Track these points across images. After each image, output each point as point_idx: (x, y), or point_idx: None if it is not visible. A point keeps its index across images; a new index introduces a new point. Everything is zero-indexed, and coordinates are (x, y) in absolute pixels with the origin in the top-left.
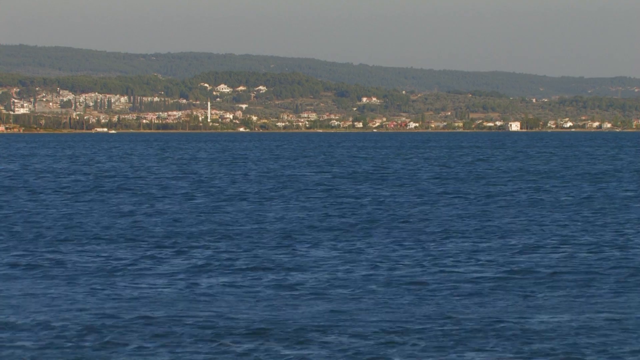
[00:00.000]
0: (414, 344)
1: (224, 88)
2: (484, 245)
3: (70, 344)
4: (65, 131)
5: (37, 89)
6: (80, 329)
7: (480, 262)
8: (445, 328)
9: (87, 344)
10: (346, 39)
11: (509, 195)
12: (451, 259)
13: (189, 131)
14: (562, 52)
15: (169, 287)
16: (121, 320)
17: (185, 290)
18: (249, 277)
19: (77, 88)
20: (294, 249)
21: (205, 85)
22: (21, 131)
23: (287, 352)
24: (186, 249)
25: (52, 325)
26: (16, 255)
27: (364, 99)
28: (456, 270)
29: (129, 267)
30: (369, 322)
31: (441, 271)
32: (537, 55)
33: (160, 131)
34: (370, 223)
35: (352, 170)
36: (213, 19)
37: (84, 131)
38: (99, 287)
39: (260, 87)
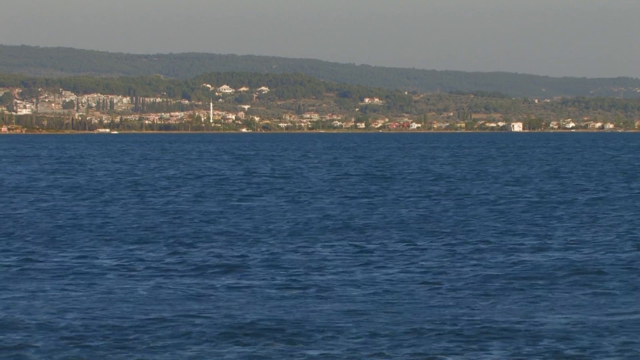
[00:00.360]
0: (425, 344)
1: (226, 89)
2: (496, 245)
3: (81, 344)
4: (67, 132)
5: (39, 89)
6: (92, 329)
7: (492, 263)
8: (456, 328)
9: (99, 343)
10: (348, 40)
11: (521, 196)
12: (463, 259)
13: (192, 132)
14: (564, 52)
15: (180, 287)
16: (132, 320)
17: (196, 290)
18: (260, 277)
19: (79, 89)
20: (305, 249)
21: (208, 85)
22: (23, 132)
23: (298, 352)
24: (197, 249)
25: (63, 326)
26: (27, 256)
27: (366, 100)
28: (467, 270)
29: (140, 268)
30: (381, 322)
31: (453, 271)
32: (540, 56)
33: (162, 132)
34: (384, 224)
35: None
36: (215, 20)
37: (86, 132)
38: (110, 288)
39: (263, 88)
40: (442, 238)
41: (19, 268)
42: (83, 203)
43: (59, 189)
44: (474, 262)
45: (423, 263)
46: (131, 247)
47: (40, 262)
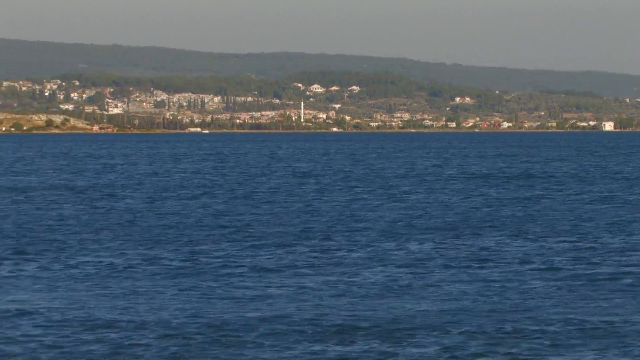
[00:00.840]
0: (525, 344)
1: (317, 88)
2: (603, 244)
3: (180, 342)
4: (158, 131)
5: (130, 89)
6: (191, 327)
7: (598, 262)
8: (558, 329)
9: (198, 341)
10: (439, 39)
11: (606, 195)
12: (567, 258)
13: (282, 131)
14: None
15: (278, 286)
16: (231, 318)
17: (294, 288)
18: (359, 275)
19: (170, 88)
20: (404, 246)
21: (299, 85)
22: (115, 131)
23: (397, 350)
24: (295, 248)
25: (161, 323)
26: (127, 255)
27: (457, 99)
28: (569, 269)
29: (238, 266)
30: (480, 321)
31: (556, 271)
32: (631, 55)
33: (253, 131)
34: (484, 222)
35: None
36: (306, 19)
37: (177, 131)
38: (209, 286)
39: (353, 87)
40: (546, 237)
41: (120, 267)
42: (185, 202)
43: (157, 187)
44: (577, 261)
45: (525, 262)
46: (230, 245)
47: (137, 260)
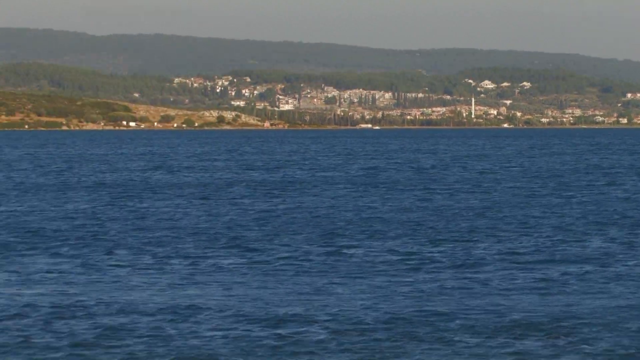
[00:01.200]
0: None
1: (487, 84)
2: None
3: (363, 335)
4: (329, 127)
5: (301, 85)
6: (373, 321)
7: None
8: None
9: (380, 336)
10: (610, 35)
11: None
12: None
13: (453, 127)
14: None
15: (451, 280)
16: (411, 312)
17: (469, 283)
18: (534, 269)
19: (341, 84)
20: (573, 242)
21: (469, 81)
22: (286, 127)
23: (572, 347)
24: (463, 242)
25: (343, 319)
26: (305, 250)
27: (629, 95)
28: None
29: (444, 261)
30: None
31: None
32: None
33: (424, 127)
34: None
35: None
36: (477, 16)
37: (348, 127)
38: (387, 280)
39: (524, 83)
40: None
41: (298, 262)
42: (362, 198)
43: (332, 182)
44: None
45: None
46: (407, 240)
47: (315, 254)
